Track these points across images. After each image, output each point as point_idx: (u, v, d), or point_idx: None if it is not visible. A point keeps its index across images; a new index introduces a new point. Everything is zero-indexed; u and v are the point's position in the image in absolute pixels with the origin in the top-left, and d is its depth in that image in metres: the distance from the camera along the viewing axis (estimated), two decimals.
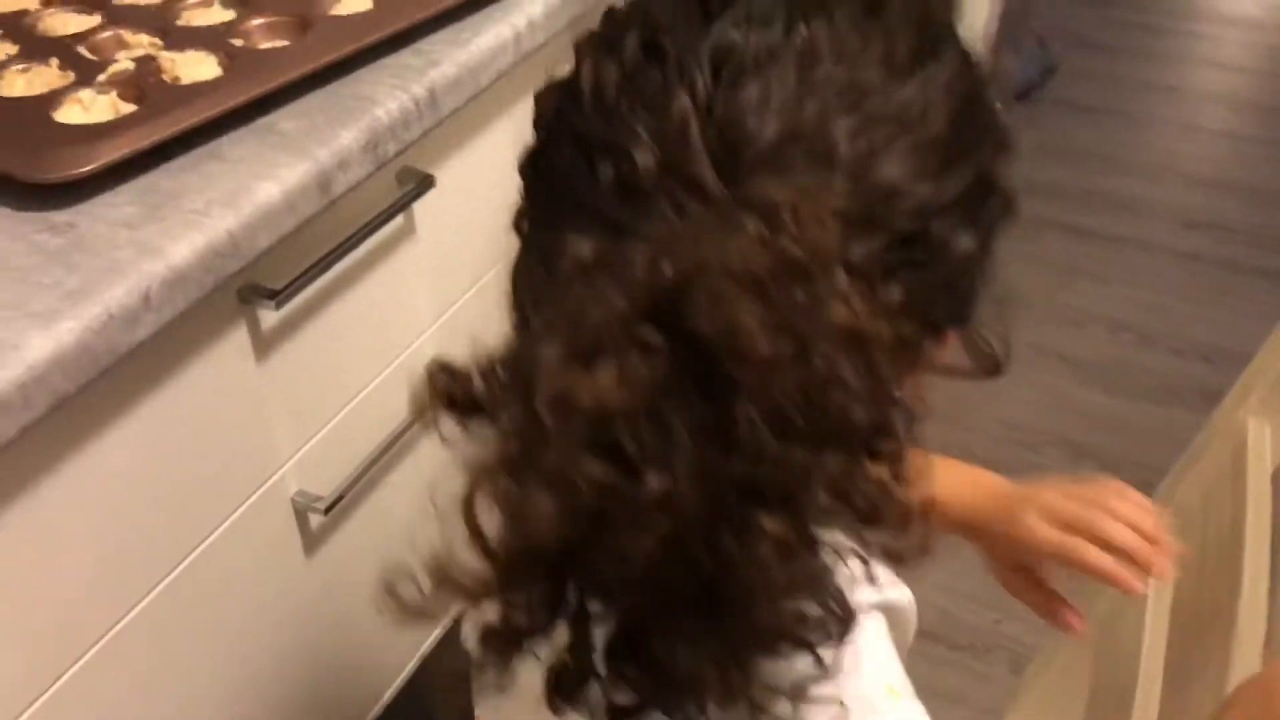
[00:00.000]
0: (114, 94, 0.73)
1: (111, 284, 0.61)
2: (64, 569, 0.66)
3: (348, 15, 0.83)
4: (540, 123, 0.47)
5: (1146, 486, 0.66)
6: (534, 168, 0.47)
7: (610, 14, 0.46)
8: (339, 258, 0.77)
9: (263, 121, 0.75)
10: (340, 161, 0.73)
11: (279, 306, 0.73)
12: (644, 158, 0.41)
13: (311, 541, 0.85)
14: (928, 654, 1.49)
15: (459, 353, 0.42)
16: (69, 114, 0.71)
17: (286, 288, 0.73)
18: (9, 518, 0.61)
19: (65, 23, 0.81)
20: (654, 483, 0.37)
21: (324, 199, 0.73)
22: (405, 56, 0.82)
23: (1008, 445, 1.78)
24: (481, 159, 0.90)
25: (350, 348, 0.84)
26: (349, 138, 0.74)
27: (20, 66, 0.76)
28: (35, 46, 0.78)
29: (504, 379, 0.40)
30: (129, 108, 0.72)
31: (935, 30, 0.45)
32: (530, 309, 0.46)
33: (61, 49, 0.78)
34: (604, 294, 0.38)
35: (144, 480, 0.69)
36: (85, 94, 0.72)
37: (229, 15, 0.83)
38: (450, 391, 0.41)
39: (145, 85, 0.74)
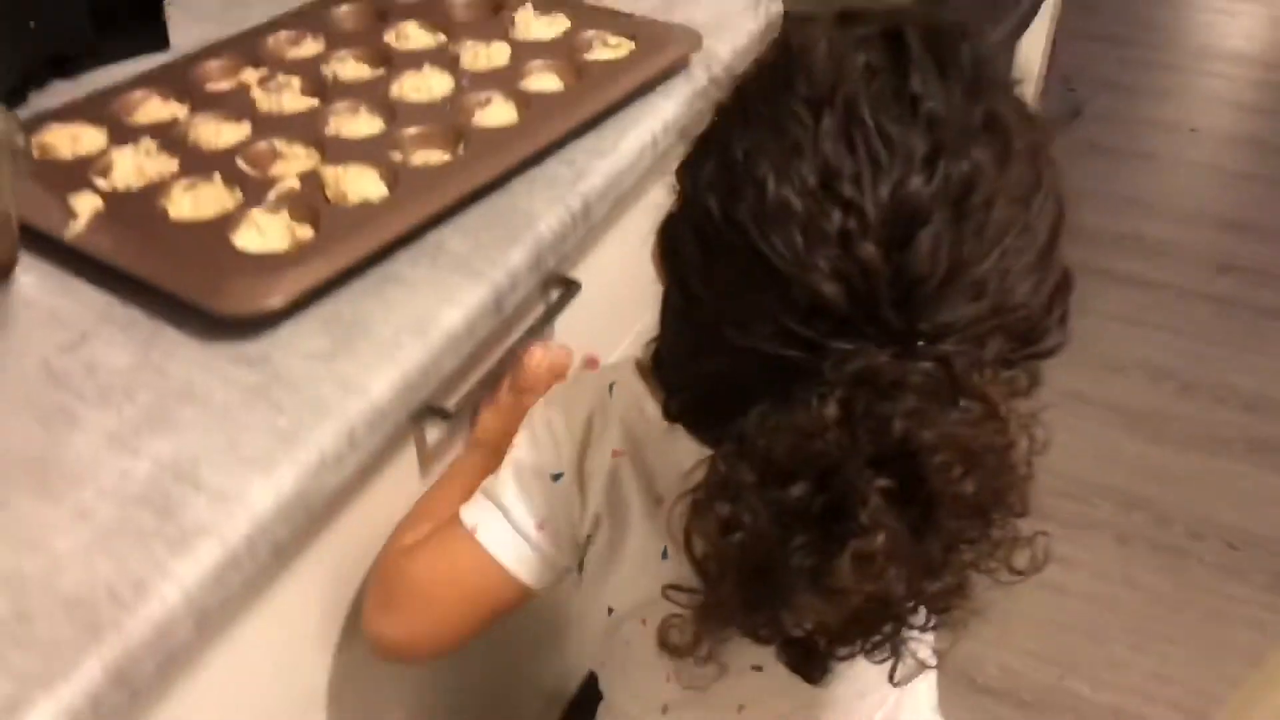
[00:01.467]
0: (285, 213, 0.73)
1: (319, 424, 0.62)
2: (253, 707, 0.66)
3: (496, 127, 0.83)
4: (709, 226, 0.50)
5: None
6: (707, 272, 0.51)
7: (782, 139, 0.48)
8: (501, 370, 0.78)
9: (431, 239, 0.75)
10: (512, 282, 0.74)
11: (454, 428, 0.73)
12: (832, 290, 0.46)
13: None
14: (991, 711, 1.50)
15: None
16: (246, 238, 0.71)
17: (459, 406, 0.73)
18: (211, 656, 0.61)
19: (217, 132, 0.81)
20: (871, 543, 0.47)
21: (498, 319, 0.74)
22: (553, 166, 0.83)
23: (1057, 497, 1.79)
24: (616, 256, 0.90)
25: None
26: (517, 256, 0.75)
27: (185, 183, 0.76)
28: (194, 160, 0.78)
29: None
30: (304, 229, 0.72)
31: (1043, 159, 0.50)
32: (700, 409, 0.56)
33: (221, 163, 0.78)
34: (840, 443, 0.46)
35: (321, 603, 0.70)
36: (259, 216, 0.72)
37: (378, 124, 0.83)
38: None
39: (317, 205, 0.74)
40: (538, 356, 0.80)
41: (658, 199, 0.55)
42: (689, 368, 0.55)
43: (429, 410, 0.72)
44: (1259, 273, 2.30)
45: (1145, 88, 2.91)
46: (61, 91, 0.92)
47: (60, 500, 0.57)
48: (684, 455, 0.55)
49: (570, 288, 0.84)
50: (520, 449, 0.68)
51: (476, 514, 0.68)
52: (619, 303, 0.99)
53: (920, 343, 0.46)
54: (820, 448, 0.46)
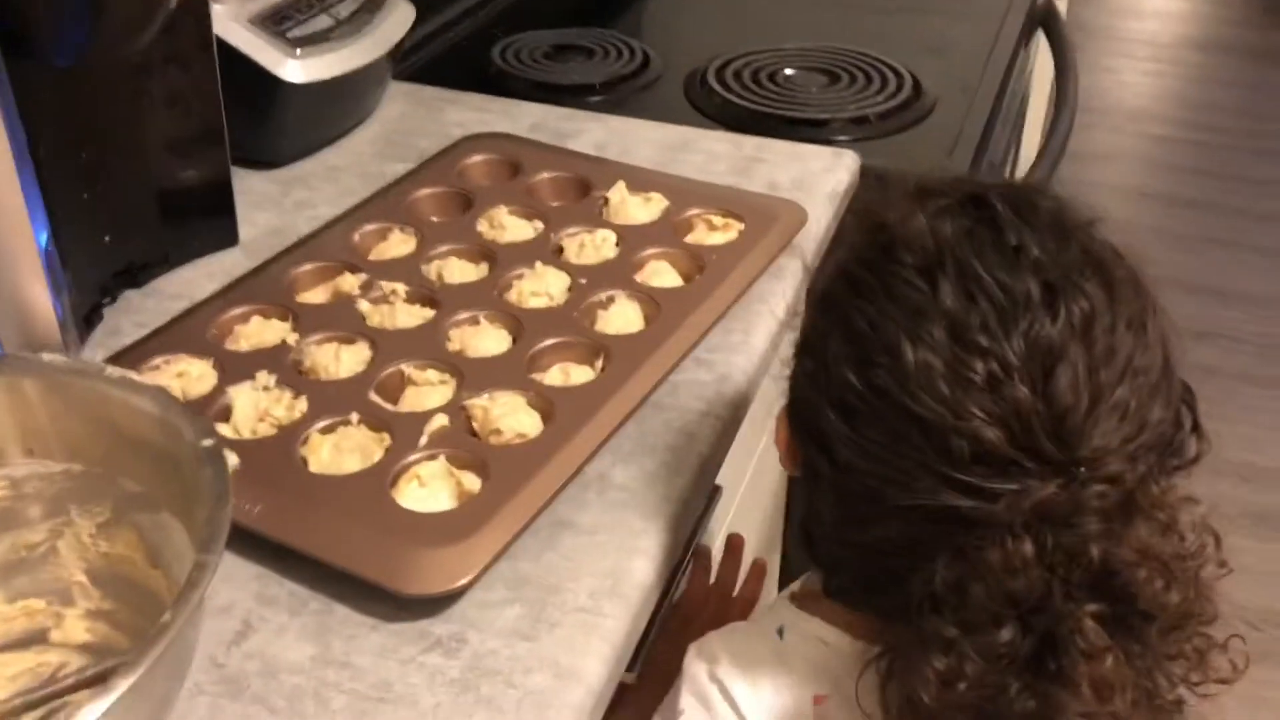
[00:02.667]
0: (443, 459, 0.68)
1: None
2: None
3: (631, 335, 0.79)
4: (850, 396, 0.53)
5: None
6: (856, 440, 0.53)
7: (904, 305, 0.52)
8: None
9: (591, 471, 0.70)
10: (686, 513, 0.70)
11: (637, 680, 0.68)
12: (993, 434, 0.49)
13: None
14: None
15: None
16: (409, 494, 0.66)
17: (635, 658, 0.68)
18: None
19: (336, 358, 0.75)
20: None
21: (678, 554, 0.69)
22: (690, 369, 0.79)
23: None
24: (741, 451, 0.87)
25: None
26: (683, 485, 0.71)
27: (321, 426, 0.70)
28: (323, 397, 0.72)
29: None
30: (469, 478, 0.67)
31: (1142, 285, 0.54)
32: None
33: (353, 399, 0.72)
34: (1042, 578, 0.48)
35: None
36: (420, 467, 0.67)
37: (504, 337, 0.78)
38: None
39: (474, 448, 0.69)
40: (700, 583, 0.76)
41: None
42: (851, 539, 0.56)
43: None
44: (1234, 340, 2.36)
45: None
46: (134, 305, 0.86)
47: None
48: None
49: (715, 495, 0.80)
50: (692, 715, 0.63)
51: None
52: (757, 502, 0.96)
53: (1081, 469, 0.48)
54: (1022, 586, 0.48)
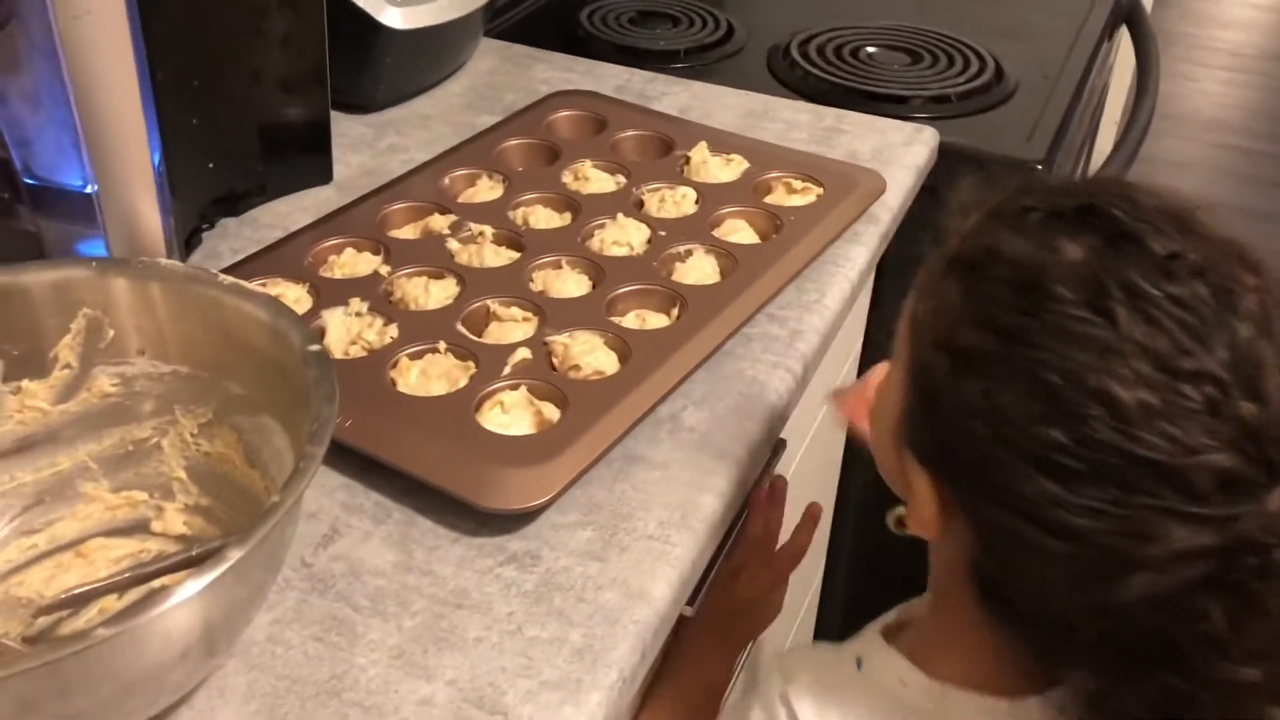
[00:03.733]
0: (525, 390, 0.71)
1: (614, 640, 0.59)
2: None
3: (708, 286, 0.81)
4: (1063, 456, 0.47)
5: None
6: (1081, 502, 0.48)
7: (1088, 347, 0.47)
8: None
9: (664, 412, 0.73)
10: (753, 459, 0.72)
11: (696, 612, 0.71)
12: (1232, 460, 0.46)
13: None
14: None
15: None
16: (492, 419, 0.69)
17: (696, 592, 0.71)
18: None
19: (425, 290, 0.78)
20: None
21: (742, 497, 0.72)
22: (763, 324, 0.81)
23: None
24: (807, 409, 0.89)
25: None
26: (755, 430, 0.73)
27: (410, 351, 0.73)
28: (413, 325, 0.75)
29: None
30: (549, 408, 0.70)
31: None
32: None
33: (441, 328, 0.75)
34: None
35: None
36: (504, 394, 0.70)
37: (585, 282, 0.81)
38: None
39: (555, 380, 0.71)
40: (757, 526, 0.78)
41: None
42: (1094, 602, 0.50)
43: None
44: None
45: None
46: (230, 232, 0.90)
47: None
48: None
49: (779, 448, 0.82)
50: None
51: None
52: (818, 457, 0.98)
53: None
54: None
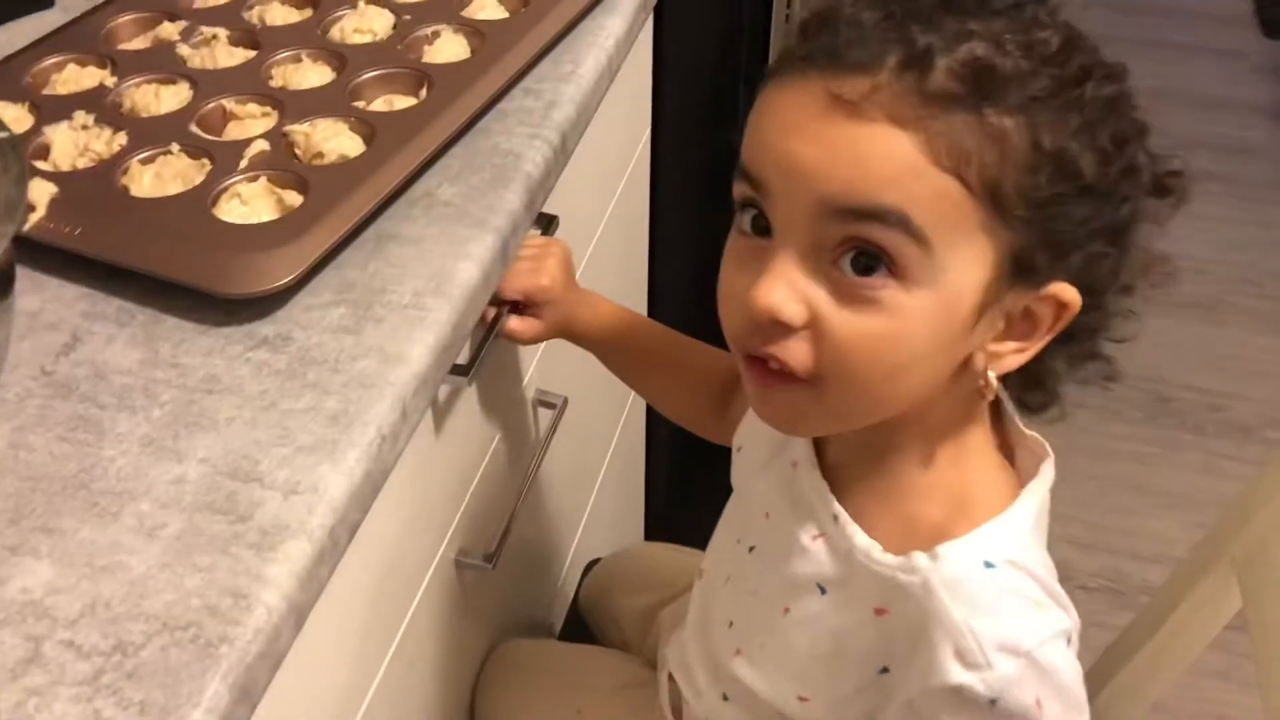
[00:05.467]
0: (264, 179, 0.69)
1: (370, 401, 0.59)
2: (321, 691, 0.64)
3: (453, 64, 0.79)
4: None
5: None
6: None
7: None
8: (501, 319, 0.76)
9: (419, 190, 0.72)
10: (513, 226, 0.72)
11: (471, 381, 0.71)
12: None
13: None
14: None
15: None
16: (231, 211, 0.67)
17: (473, 362, 0.71)
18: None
19: (156, 97, 0.75)
20: None
21: (504, 267, 0.72)
22: (519, 98, 0.80)
23: None
24: (577, 183, 0.89)
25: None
26: (513, 199, 0.72)
27: (141, 156, 0.70)
28: (142, 131, 0.72)
29: None
30: (290, 194, 0.68)
31: None
32: None
33: (173, 131, 0.72)
34: None
35: (369, 578, 0.68)
36: (241, 186, 0.68)
37: (327, 72, 0.78)
38: None
39: (295, 168, 0.69)
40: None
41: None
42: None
43: (453, 369, 0.70)
44: None
45: None
46: None
47: (117, 518, 0.53)
48: None
49: (551, 223, 0.82)
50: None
51: None
52: (591, 231, 0.98)
53: None
54: None
